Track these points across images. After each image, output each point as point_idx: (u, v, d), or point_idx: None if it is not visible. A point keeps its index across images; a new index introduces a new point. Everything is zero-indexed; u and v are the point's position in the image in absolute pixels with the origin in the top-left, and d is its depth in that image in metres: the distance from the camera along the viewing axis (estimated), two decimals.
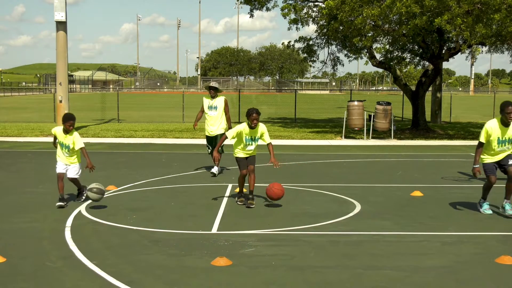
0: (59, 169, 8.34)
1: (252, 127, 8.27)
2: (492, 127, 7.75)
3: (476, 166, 7.89)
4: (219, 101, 11.04)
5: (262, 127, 8.39)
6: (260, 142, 8.55)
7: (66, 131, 8.19)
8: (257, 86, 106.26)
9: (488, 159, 7.97)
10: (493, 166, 7.93)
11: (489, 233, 6.97)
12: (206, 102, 11.12)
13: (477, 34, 16.38)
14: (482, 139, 7.82)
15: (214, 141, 11.00)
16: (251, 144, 8.39)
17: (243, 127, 8.32)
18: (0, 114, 30.35)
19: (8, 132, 19.91)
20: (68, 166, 8.40)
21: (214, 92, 11.02)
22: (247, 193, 8.65)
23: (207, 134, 11.24)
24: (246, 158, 8.53)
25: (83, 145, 8.30)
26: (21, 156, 14.20)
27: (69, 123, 8.12)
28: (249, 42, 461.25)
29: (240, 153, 8.50)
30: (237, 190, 8.84)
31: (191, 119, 20.55)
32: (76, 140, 8.24)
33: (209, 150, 11.31)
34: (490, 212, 8.10)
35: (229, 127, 10.73)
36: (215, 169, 11.00)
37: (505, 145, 7.80)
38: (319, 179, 10.85)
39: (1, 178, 10.71)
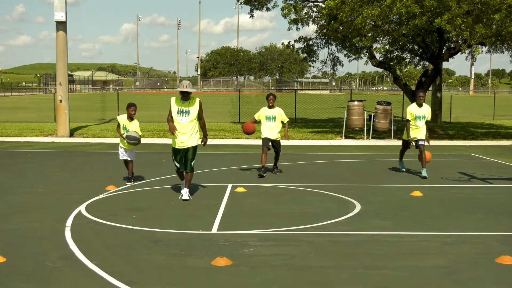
0: (122, 156, 10.16)
1: (270, 106, 10.94)
2: (412, 109, 11.23)
3: (410, 137, 11.19)
4: (194, 105, 8.70)
5: (278, 109, 11.04)
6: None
7: (130, 118, 9.95)
8: (257, 86, 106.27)
9: (410, 134, 11.22)
10: (412, 141, 11.22)
11: (489, 233, 6.96)
12: (176, 106, 8.74)
13: (477, 34, 16.38)
14: (409, 117, 11.23)
15: (184, 154, 8.76)
16: (272, 121, 10.96)
17: (263, 108, 11.03)
18: (0, 114, 30.34)
19: (8, 132, 19.91)
20: (127, 150, 10.06)
21: (186, 95, 8.70)
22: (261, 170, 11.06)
23: (175, 146, 8.85)
24: (270, 140, 10.94)
25: (140, 133, 10.07)
26: (21, 156, 14.20)
27: (132, 108, 9.91)
28: (249, 42, 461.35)
29: (264, 133, 10.95)
30: (239, 189, 9.56)
31: None
32: (137, 126, 10.03)
33: (178, 167, 8.94)
34: (404, 170, 11.71)
35: (205, 135, 9.00)
36: (185, 193, 8.75)
37: (421, 120, 11.17)
38: (319, 179, 10.85)
39: (1, 178, 10.71)
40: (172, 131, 8.71)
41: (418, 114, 11.13)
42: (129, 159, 10.15)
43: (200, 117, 8.78)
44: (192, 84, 9.22)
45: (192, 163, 8.80)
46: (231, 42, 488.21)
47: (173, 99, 8.77)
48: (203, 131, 9.01)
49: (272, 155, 11.60)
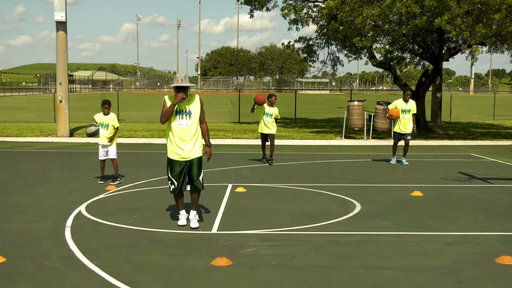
0: (101, 156, 10.17)
1: (272, 103, 12.50)
2: (398, 103, 12.75)
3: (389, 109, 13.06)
4: (194, 103, 6.94)
5: (276, 108, 12.59)
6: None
7: (105, 114, 10.02)
8: (257, 86, 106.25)
9: (397, 129, 12.86)
10: (399, 135, 12.84)
11: (489, 233, 6.96)
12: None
13: (477, 34, 16.39)
14: (390, 107, 12.87)
15: (188, 169, 7.04)
16: (270, 117, 12.45)
17: (265, 106, 12.42)
18: (0, 114, 30.34)
19: (8, 132, 19.91)
20: (108, 147, 10.08)
21: (183, 92, 6.83)
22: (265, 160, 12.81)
23: (175, 158, 7.11)
24: (265, 135, 12.50)
25: (118, 125, 10.13)
26: (21, 156, 14.20)
27: (105, 106, 9.98)
28: (249, 42, 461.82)
29: (261, 129, 12.57)
30: (239, 189, 9.58)
31: None
32: (113, 119, 10.06)
33: (175, 186, 7.08)
34: (394, 162, 12.99)
35: (208, 143, 7.07)
36: (194, 218, 7.09)
37: (406, 114, 12.65)
38: (319, 179, 10.85)
39: (1, 178, 10.71)
40: (178, 99, 6.77)
41: (404, 108, 12.66)
42: (110, 157, 10.13)
43: (201, 120, 7.02)
44: (189, 77, 7.13)
45: (201, 179, 7.09)
46: (231, 42, 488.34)
47: (166, 98, 6.96)
48: (205, 138, 7.09)
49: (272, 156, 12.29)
